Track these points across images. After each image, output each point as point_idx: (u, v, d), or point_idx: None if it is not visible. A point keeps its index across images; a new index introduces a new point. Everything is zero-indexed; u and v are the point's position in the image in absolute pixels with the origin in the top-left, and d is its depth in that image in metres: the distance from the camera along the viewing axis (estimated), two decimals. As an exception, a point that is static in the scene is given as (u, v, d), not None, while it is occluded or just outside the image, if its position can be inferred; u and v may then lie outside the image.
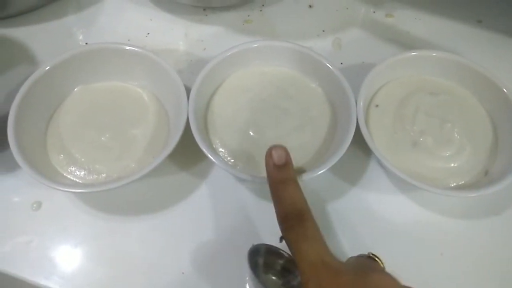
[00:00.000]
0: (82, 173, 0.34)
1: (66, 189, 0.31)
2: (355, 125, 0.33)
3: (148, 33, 0.44)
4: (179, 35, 0.44)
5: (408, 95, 0.37)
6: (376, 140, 0.34)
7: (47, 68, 0.35)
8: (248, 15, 0.46)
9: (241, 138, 0.35)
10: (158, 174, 0.36)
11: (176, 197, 0.35)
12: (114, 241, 0.33)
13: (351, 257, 0.29)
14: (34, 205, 0.34)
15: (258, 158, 0.34)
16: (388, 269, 0.25)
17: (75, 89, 0.38)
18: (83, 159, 0.34)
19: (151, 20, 0.45)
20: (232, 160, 0.34)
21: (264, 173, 0.30)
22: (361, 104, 0.34)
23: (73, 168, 0.34)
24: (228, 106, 0.36)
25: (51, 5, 0.46)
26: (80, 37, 0.44)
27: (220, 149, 0.35)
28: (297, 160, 0.34)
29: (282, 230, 0.26)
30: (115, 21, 0.45)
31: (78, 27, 0.45)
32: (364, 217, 0.35)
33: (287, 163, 0.29)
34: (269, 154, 0.29)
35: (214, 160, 0.32)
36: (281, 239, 0.26)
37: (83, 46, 0.37)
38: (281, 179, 0.28)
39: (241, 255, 0.30)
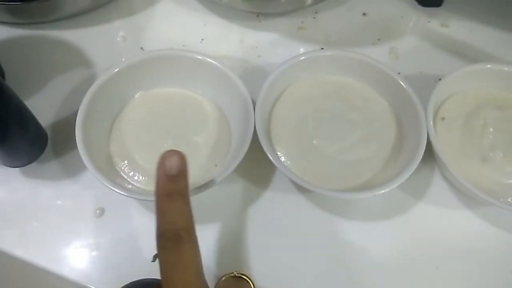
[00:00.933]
0: (146, 179, 0.34)
1: (135, 197, 0.31)
2: (425, 139, 0.33)
3: (203, 39, 0.44)
4: (234, 42, 0.44)
5: (475, 109, 0.36)
6: (443, 153, 0.34)
7: (115, 70, 0.35)
8: (302, 22, 0.45)
9: (305, 148, 0.35)
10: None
11: (237, 205, 0.35)
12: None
13: (220, 280, 0.27)
14: (98, 211, 0.34)
15: (322, 168, 0.34)
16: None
17: (136, 95, 0.37)
18: (146, 166, 0.34)
19: (205, 25, 0.45)
20: (294, 170, 0.34)
21: (328, 184, 0.29)
22: (430, 117, 0.34)
23: (137, 174, 0.34)
24: (291, 115, 0.36)
25: (103, 8, 0.46)
26: (133, 41, 0.44)
27: (283, 159, 0.34)
28: (364, 173, 0.34)
29: (157, 249, 0.23)
30: (168, 26, 0.45)
31: (130, 30, 0.45)
32: (428, 231, 0.35)
33: (180, 174, 0.25)
34: (161, 161, 0.25)
35: (282, 169, 0.31)
36: (154, 257, 0.24)
37: (148, 52, 0.37)
38: (168, 191, 0.24)
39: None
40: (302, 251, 0.34)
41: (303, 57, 0.37)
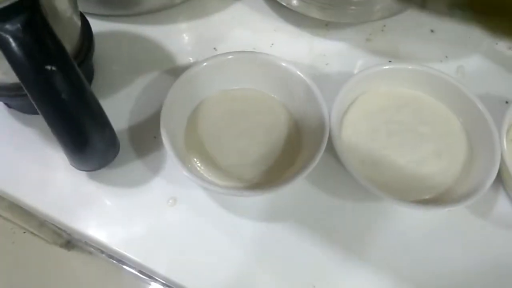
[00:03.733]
0: (220, 174, 0.35)
1: (213, 189, 0.33)
2: (499, 160, 0.33)
3: (273, 44, 0.45)
4: (302, 48, 0.45)
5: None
6: (514, 175, 0.34)
7: (204, 64, 0.36)
8: (370, 34, 0.46)
9: (376, 157, 0.35)
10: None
11: (304, 210, 0.36)
12: (241, 243, 0.34)
13: None
14: (170, 201, 0.36)
15: (391, 178, 0.35)
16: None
17: (212, 94, 0.39)
18: (221, 162, 0.36)
19: (275, 30, 0.46)
20: (364, 178, 0.35)
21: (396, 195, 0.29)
22: (504, 138, 0.34)
23: (211, 169, 0.35)
24: (363, 124, 0.37)
25: (177, 7, 0.47)
26: (206, 41, 0.45)
27: (353, 167, 0.35)
28: (433, 188, 0.34)
29: None
30: (240, 29, 0.46)
31: (203, 31, 0.46)
32: (492, 252, 0.35)
33: None
34: None
35: (357, 178, 0.32)
36: None
37: (231, 52, 0.38)
38: None
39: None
40: (372, 260, 0.34)
41: (378, 68, 0.37)
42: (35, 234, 0.89)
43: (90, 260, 0.95)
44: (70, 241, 0.96)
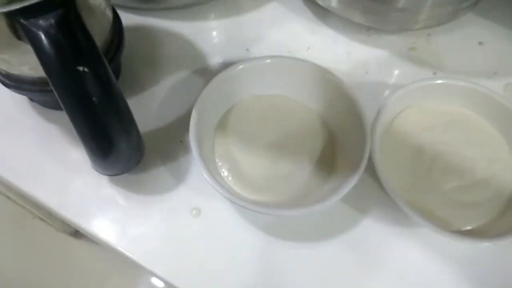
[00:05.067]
0: (249, 186, 0.33)
1: (238, 203, 0.30)
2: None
3: (309, 47, 0.43)
4: (341, 53, 0.42)
5: None
6: None
7: (240, 67, 0.34)
8: (414, 42, 0.43)
9: (419, 180, 0.33)
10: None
11: (335, 228, 0.34)
12: (266, 262, 0.32)
13: None
14: (194, 211, 0.34)
15: (436, 206, 0.32)
16: None
17: (244, 99, 0.36)
18: (249, 173, 0.33)
19: (312, 33, 0.44)
20: (404, 201, 0.32)
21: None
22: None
23: (239, 180, 0.33)
24: (406, 144, 0.34)
25: (214, 2, 0.45)
26: (239, 41, 0.43)
27: (394, 189, 0.33)
28: (476, 218, 0.32)
29: None
30: (275, 29, 0.44)
31: (237, 30, 0.44)
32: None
33: None
34: None
35: (397, 201, 0.30)
36: None
37: (269, 56, 0.36)
38: None
39: None
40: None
41: (422, 83, 0.35)
42: (44, 221, 0.88)
43: (97, 250, 0.95)
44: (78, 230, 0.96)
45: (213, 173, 0.31)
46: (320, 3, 0.43)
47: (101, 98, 0.24)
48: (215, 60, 0.41)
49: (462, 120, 0.35)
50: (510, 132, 0.34)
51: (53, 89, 0.24)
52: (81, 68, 0.23)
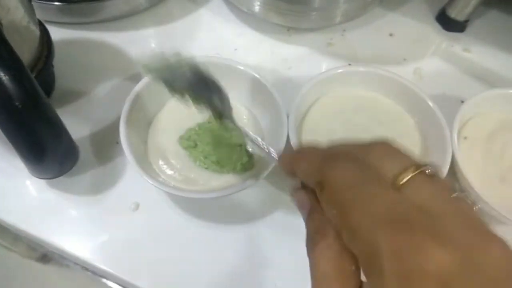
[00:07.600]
0: (180, 178, 0.35)
1: (173, 191, 0.33)
2: (450, 157, 0.34)
3: (236, 49, 0.46)
4: (265, 53, 0.46)
5: (496, 131, 0.38)
6: (467, 172, 0.35)
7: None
8: (331, 38, 0.48)
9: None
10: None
11: (262, 208, 0.37)
12: (206, 247, 0.35)
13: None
14: (132, 206, 0.36)
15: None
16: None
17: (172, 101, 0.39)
18: (176, 164, 0.36)
19: (238, 36, 0.47)
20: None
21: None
22: (455, 136, 0.35)
23: (169, 170, 0.36)
24: (322, 127, 0.38)
25: (142, 13, 0.48)
26: (171, 47, 0.46)
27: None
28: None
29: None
30: (203, 34, 0.47)
31: (168, 37, 0.47)
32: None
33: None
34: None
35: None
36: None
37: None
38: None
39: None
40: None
41: (334, 71, 0.38)
42: (9, 249, 0.87)
43: (68, 273, 0.94)
44: (46, 254, 0.94)
45: (144, 165, 0.34)
46: (243, 8, 0.46)
47: (24, 103, 0.26)
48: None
49: (372, 102, 0.39)
50: (414, 108, 0.39)
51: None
52: (2, 75, 0.25)
